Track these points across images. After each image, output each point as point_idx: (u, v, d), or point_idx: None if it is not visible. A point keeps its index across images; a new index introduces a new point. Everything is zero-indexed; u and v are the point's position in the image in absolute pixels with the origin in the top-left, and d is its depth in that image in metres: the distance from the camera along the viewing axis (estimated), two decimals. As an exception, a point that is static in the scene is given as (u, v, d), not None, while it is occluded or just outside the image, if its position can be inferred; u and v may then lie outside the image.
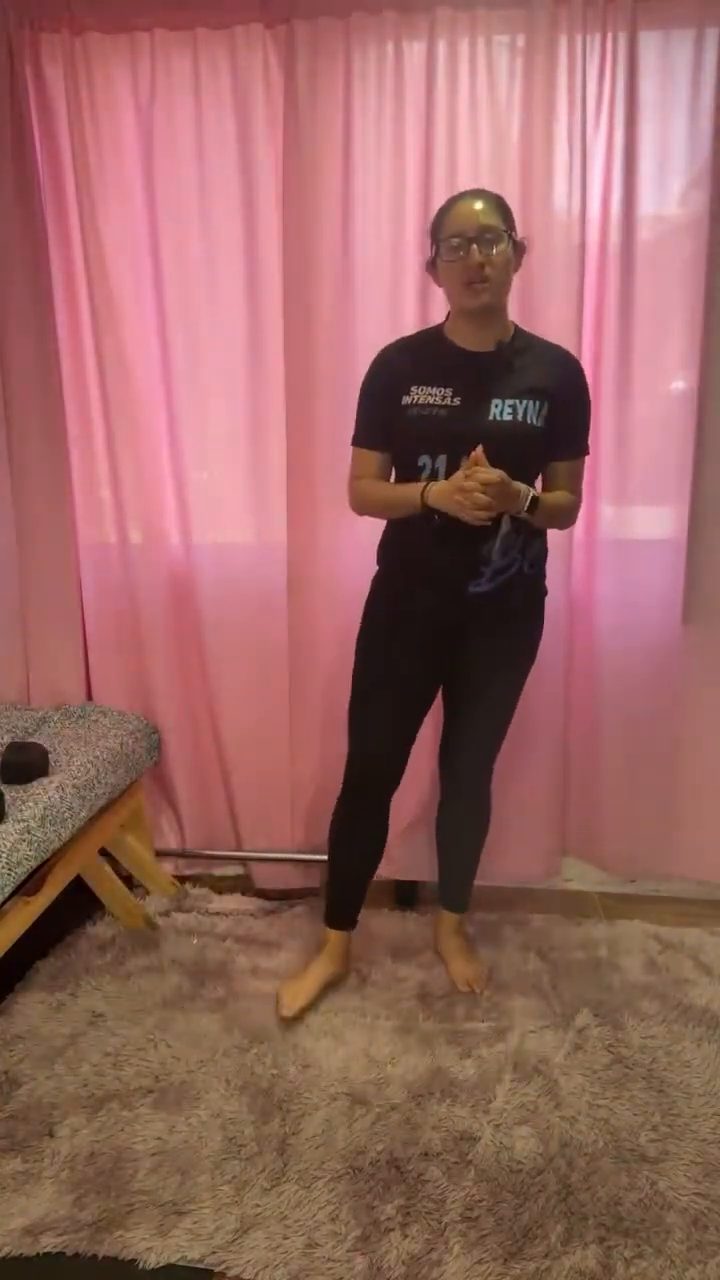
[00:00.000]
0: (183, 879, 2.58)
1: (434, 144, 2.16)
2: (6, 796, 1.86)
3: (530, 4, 2.08)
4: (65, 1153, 1.65)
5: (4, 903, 1.76)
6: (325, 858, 2.50)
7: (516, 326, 1.85)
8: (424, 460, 1.78)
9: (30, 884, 1.85)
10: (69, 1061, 1.88)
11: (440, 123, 2.15)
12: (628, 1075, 1.83)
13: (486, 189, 1.80)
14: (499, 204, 1.75)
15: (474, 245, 1.69)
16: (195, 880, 2.60)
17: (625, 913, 2.43)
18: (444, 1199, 1.56)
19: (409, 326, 2.26)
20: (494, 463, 1.66)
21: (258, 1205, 1.55)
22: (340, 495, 2.36)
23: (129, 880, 2.44)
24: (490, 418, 1.75)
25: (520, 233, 1.81)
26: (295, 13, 2.12)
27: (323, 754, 2.48)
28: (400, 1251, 1.46)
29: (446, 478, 1.75)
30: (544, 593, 1.97)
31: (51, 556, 2.46)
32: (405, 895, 2.50)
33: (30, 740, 2.17)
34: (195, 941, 2.29)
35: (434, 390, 1.76)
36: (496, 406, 1.75)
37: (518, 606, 1.91)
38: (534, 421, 1.76)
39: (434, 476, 1.77)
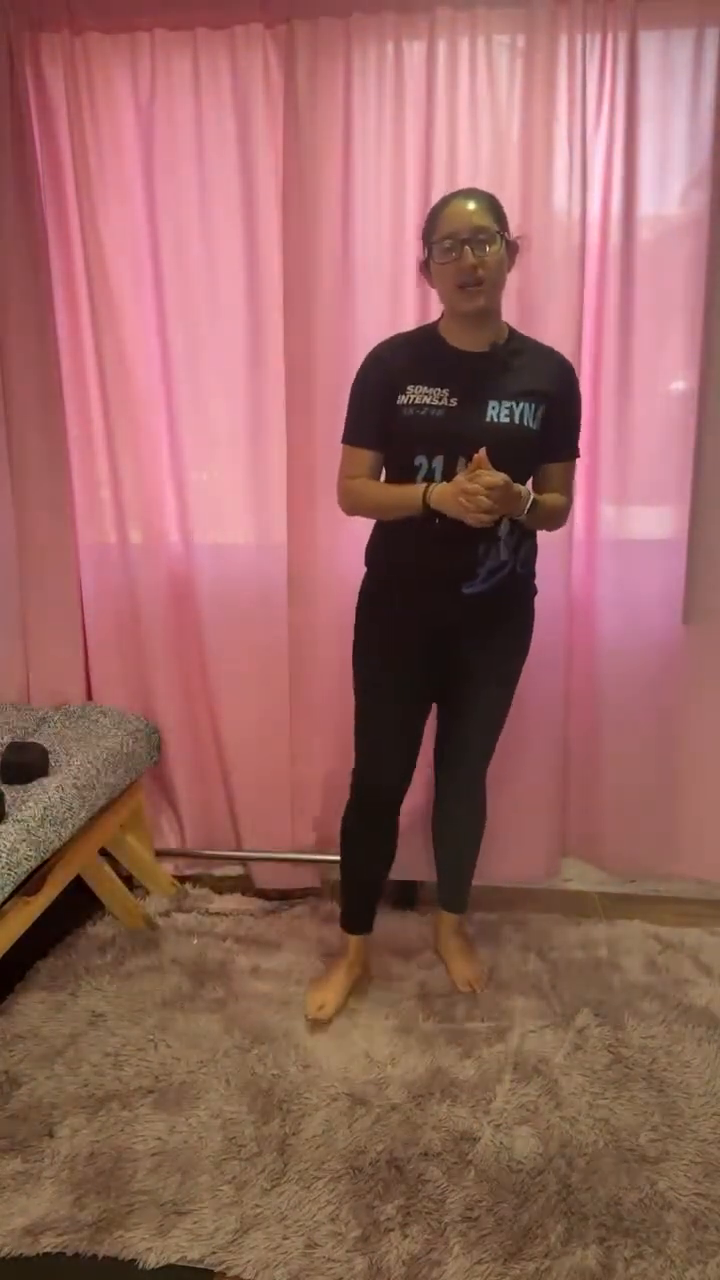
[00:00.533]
0: (183, 879, 2.58)
1: (434, 144, 2.16)
2: (6, 796, 1.86)
3: (530, 4, 2.08)
4: (65, 1153, 1.66)
5: (4, 903, 1.76)
6: (324, 858, 2.52)
7: (510, 328, 1.85)
8: (420, 460, 1.76)
9: (30, 884, 1.85)
10: (69, 1061, 1.88)
11: (440, 123, 2.15)
12: (628, 1075, 1.83)
13: (479, 189, 1.79)
14: (492, 204, 1.74)
15: (467, 247, 1.68)
16: (195, 880, 2.60)
17: (625, 913, 2.43)
18: (444, 1199, 1.56)
19: (409, 326, 2.26)
20: (492, 462, 1.66)
21: (258, 1205, 1.55)
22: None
23: (129, 880, 2.44)
24: (488, 419, 1.74)
25: (514, 232, 1.80)
26: (295, 13, 2.12)
27: (323, 754, 2.48)
28: (400, 1251, 1.46)
29: (443, 479, 1.74)
30: (534, 592, 1.96)
31: (51, 556, 2.46)
32: (405, 895, 2.50)
33: (30, 740, 2.17)
34: (195, 941, 2.29)
35: (431, 390, 1.75)
36: (493, 408, 1.74)
37: (510, 606, 1.91)
38: (530, 424, 1.76)
39: (430, 477, 1.76)
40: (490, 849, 2.48)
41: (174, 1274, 1.45)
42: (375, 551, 1.94)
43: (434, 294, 2.21)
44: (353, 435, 1.85)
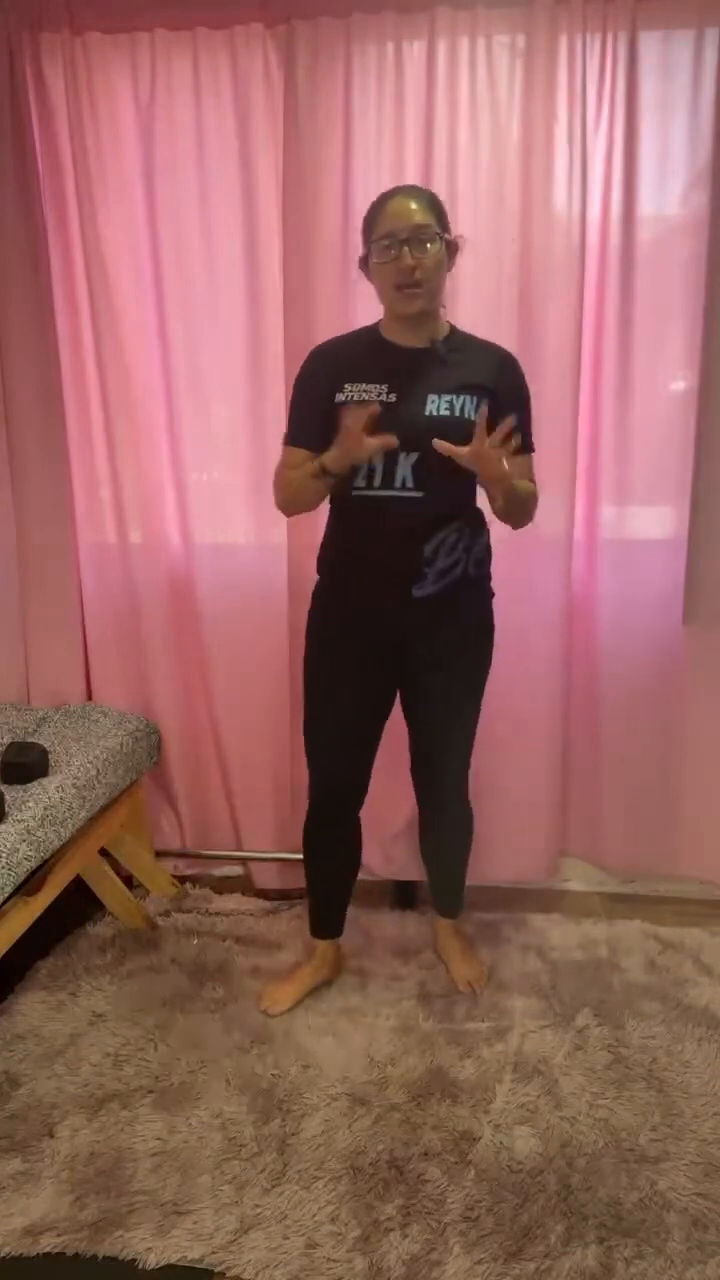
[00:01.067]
0: (183, 879, 2.58)
1: (434, 144, 2.15)
2: (7, 797, 1.86)
3: (530, 4, 2.08)
4: (65, 1153, 1.66)
5: (4, 903, 1.76)
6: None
7: (452, 325, 1.83)
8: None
9: (30, 884, 1.85)
10: (69, 1061, 1.88)
11: (440, 123, 2.15)
12: (628, 1075, 1.83)
13: (421, 186, 1.77)
14: (432, 202, 1.72)
15: (406, 247, 1.65)
16: (195, 880, 2.60)
17: (625, 913, 2.43)
18: (444, 1199, 1.56)
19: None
20: (434, 456, 1.64)
21: (258, 1205, 1.55)
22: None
23: (129, 880, 2.44)
24: (427, 413, 1.71)
25: (455, 231, 1.77)
26: (295, 13, 2.12)
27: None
28: (400, 1251, 1.46)
29: (384, 476, 1.72)
30: (490, 595, 1.93)
31: (51, 556, 2.46)
32: (405, 895, 2.49)
33: (30, 740, 2.17)
34: (195, 941, 2.29)
35: (369, 387, 1.72)
36: (433, 402, 1.71)
37: (464, 610, 1.86)
38: (472, 416, 1.70)
39: (370, 475, 1.73)
40: (490, 849, 2.48)
41: (174, 1274, 1.45)
42: (326, 553, 1.91)
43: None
44: (290, 434, 1.83)
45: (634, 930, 2.33)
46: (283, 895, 2.52)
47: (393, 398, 1.72)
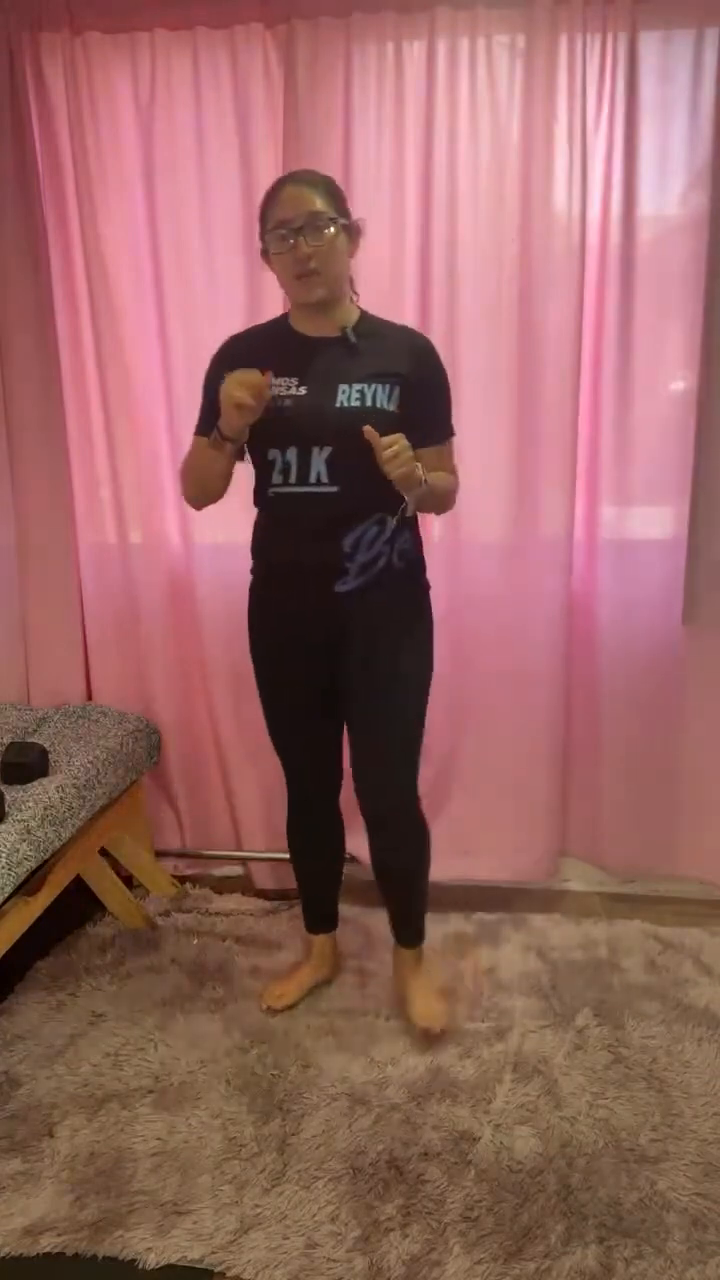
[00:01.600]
0: (183, 879, 2.58)
1: (434, 144, 2.16)
2: (7, 797, 1.86)
3: (530, 4, 2.08)
4: (65, 1153, 1.65)
5: (4, 903, 1.76)
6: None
7: (363, 311, 1.77)
8: (274, 455, 1.69)
9: (30, 884, 1.85)
10: (69, 1061, 1.87)
11: (440, 123, 2.15)
12: (628, 1075, 1.83)
13: (316, 170, 1.72)
14: (327, 186, 1.66)
15: (301, 235, 1.60)
16: (195, 880, 2.60)
17: (625, 913, 2.43)
18: (444, 1199, 1.56)
19: (409, 324, 2.26)
20: (347, 449, 1.62)
21: (258, 1205, 1.55)
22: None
23: (129, 880, 2.44)
24: (338, 404, 1.66)
25: (356, 214, 1.72)
26: (295, 13, 2.12)
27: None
28: (400, 1251, 1.46)
29: (298, 472, 1.68)
30: (425, 587, 1.86)
31: (51, 556, 2.46)
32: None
33: (30, 740, 2.17)
34: (195, 941, 2.29)
35: (279, 380, 1.67)
36: (344, 392, 1.66)
37: (392, 605, 1.78)
38: (384, 405, 1.66)
39: (286, 470, 1.69)
40: (490, 849, 2.49)
41: (174, 1274, 1.45)
42: (255, 549, 1.86)
43: (435, 292, 2.23)
44: (198, 424, 1.77)
45: (634, 930, 2.33)
46: (282, 895, 2.52)
47: (303, 390, 1.67)
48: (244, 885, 2.58)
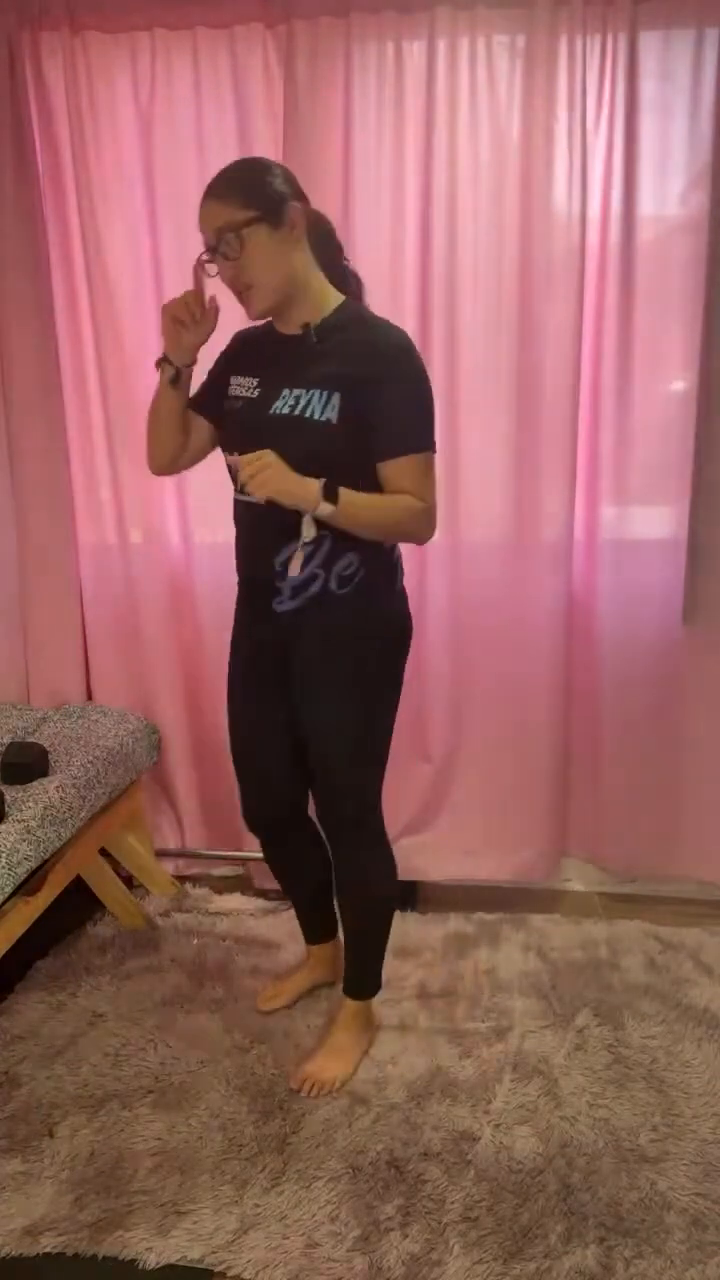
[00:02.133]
0: (183, 879, 2.58)
1: (434, 144, 2.16)
2: (7, 797, 1.86)
3: (530, 4, 2.08)
4: (65, 1153, 1.65)
5: (4, 903, 1.76)
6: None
7: (346, 302, 1.60)
8: (230, 460, 1.63)
9: (30, 884, 1.85)
10: (69, 1061, 1.87)
11: (440, 123, 2.15)
12: (628, 1075, 1.83)
13: (229, 170, 1.55)
14: (237, 183, 1.50)
15: (220, 255, 1.50)
16: (195, 880, 2.60)
17: (625, 913, 2.43)
18: (444, 1199, 1.56)
19: (409, 324, 2.26)
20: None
21: (258, 1205, 1.55)
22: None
23: (129, 880, 2.44)
24: (271, 411, 1.55)
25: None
26: (295, 13, 2.12)
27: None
28: (400, 1251, 1.46)
29: (237, 479, 1.59)
30: (377, 613, 1.67)
31: (51, 556, 2.46)
32: (405, 895, 2.49)
33: (30, 740, 2.17)
34: (195, 941, 2.29)
35: (244, 381, 1.62)
36: (283, 398, 1.55)
37: (331, 631, 1.64)
38: (317, 415, 1.51)
39: (235, 476, 1.61)
40: (491, 848, 2.49)
41: (174, 1274, 1.45)
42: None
43: (435, 292, 2.24)
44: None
45: (634, 930, 2.33)
46: (283, 895, 2.52)
47: (256, 393, 1.59)
48: (244, 885, 2.58)
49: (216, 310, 1.58)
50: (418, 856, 2.48)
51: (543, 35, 2.09)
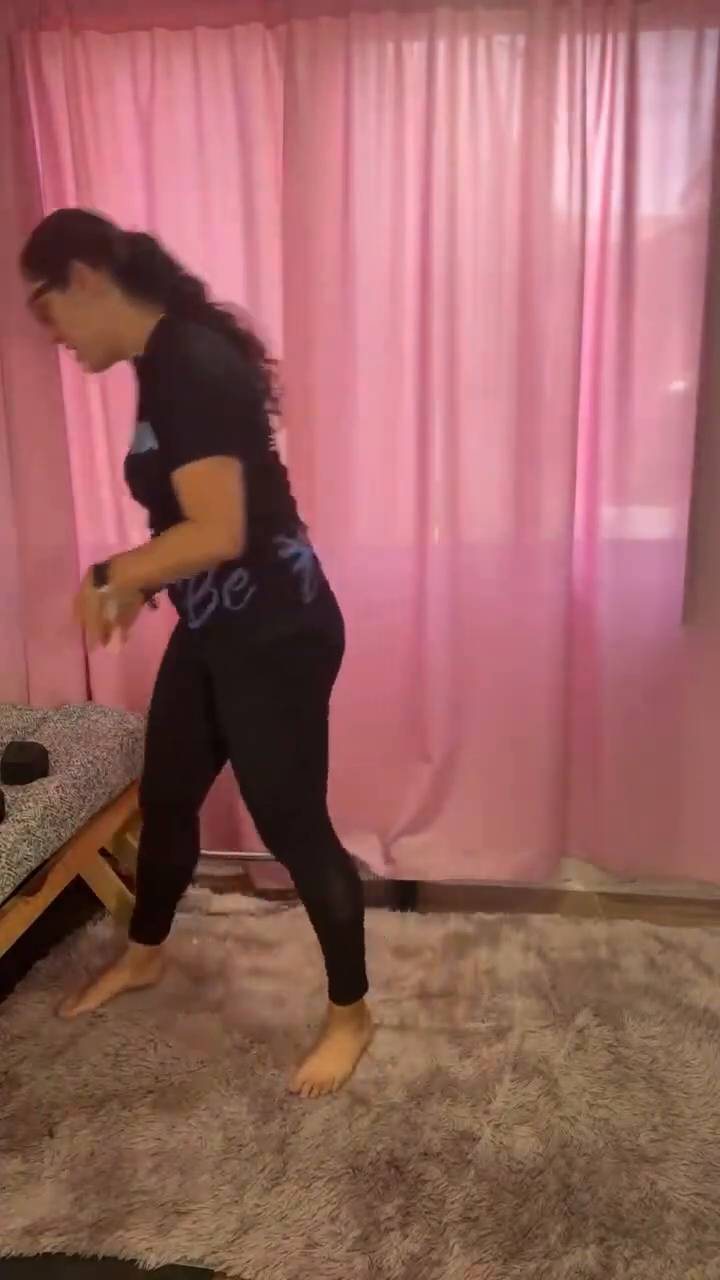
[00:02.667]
0: (182, 879, 2.57)
1: (434, 144, 2.16)
2: (7, 797, 1.86)
3: (530, 4, 2.08)
4: (65, 1153, 1.65)
5: (4, 903, 1.76)
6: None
7: (160, 323, 1.58)
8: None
9: (30, 884, 1.84)
10: (69, 1061, 1.87)
11: (440, 123, 2.15)
12: (628, 1075, 1.83)
13: (32, 234, 1.60)
14: (27, 259, 1.56)
15: (44, 322, 1.57)
16: (195, 880, 2.60)
17: (625, 913, 2.43)
18: (444, 1199, 1.56)
19: (409, 325, 2.27)
20: (137, 495, 1.63)
21: (258, 1205, 1.55)
22: (338, 495, 2.37)
23: (129, 880, 2.44)
24: (129, 450, 1.62)
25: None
26: (295, 13, 2.12)
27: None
28: (400, 1251, 1.46)
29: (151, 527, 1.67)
30: (282, 628, 1.63)
31: (51, 556, 2.45)
32: (405, 895, 2.50)
33: (30, 740, 2.17)
34: (195, 941, 2.29)
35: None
36: (131, 438, 1.62)
37: (236, 647, 1.65)
38: (144, 448, 1.55)
39: None
40: (490, 849, 2.49)
41: (174, 1274, 1.45)
42: None
43: (435, 291, 2.24)
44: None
45: (634, 930, 2.33)
46: (282, 895, 2.52)
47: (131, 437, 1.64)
48: (244, 885, 2.58)
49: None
50: (418, 856, 2.48)
51: (543, 36, 2.09)
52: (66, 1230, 1.51)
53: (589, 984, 2.11)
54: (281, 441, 2.31)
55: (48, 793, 1.91)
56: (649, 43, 2.12)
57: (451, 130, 2.15)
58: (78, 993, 2.04)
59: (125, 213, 2.27)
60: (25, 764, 1.98)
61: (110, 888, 2.32)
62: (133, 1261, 1.46)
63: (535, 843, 2.49)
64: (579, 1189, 1.57)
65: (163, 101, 2.23)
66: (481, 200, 2.19)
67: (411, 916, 2.41)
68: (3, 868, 1.71)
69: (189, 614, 1.69)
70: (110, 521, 2.46)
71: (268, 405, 1.65)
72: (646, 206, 2.19)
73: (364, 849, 2.47)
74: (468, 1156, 1.64)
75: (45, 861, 1.89)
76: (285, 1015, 2.01)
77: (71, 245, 1.54)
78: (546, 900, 2.50)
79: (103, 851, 2.30)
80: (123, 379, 2.32)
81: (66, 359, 2.36)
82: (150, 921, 2.06)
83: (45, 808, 1.87)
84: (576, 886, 2.58)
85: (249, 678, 1.67)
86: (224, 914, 2.42)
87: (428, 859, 2.49)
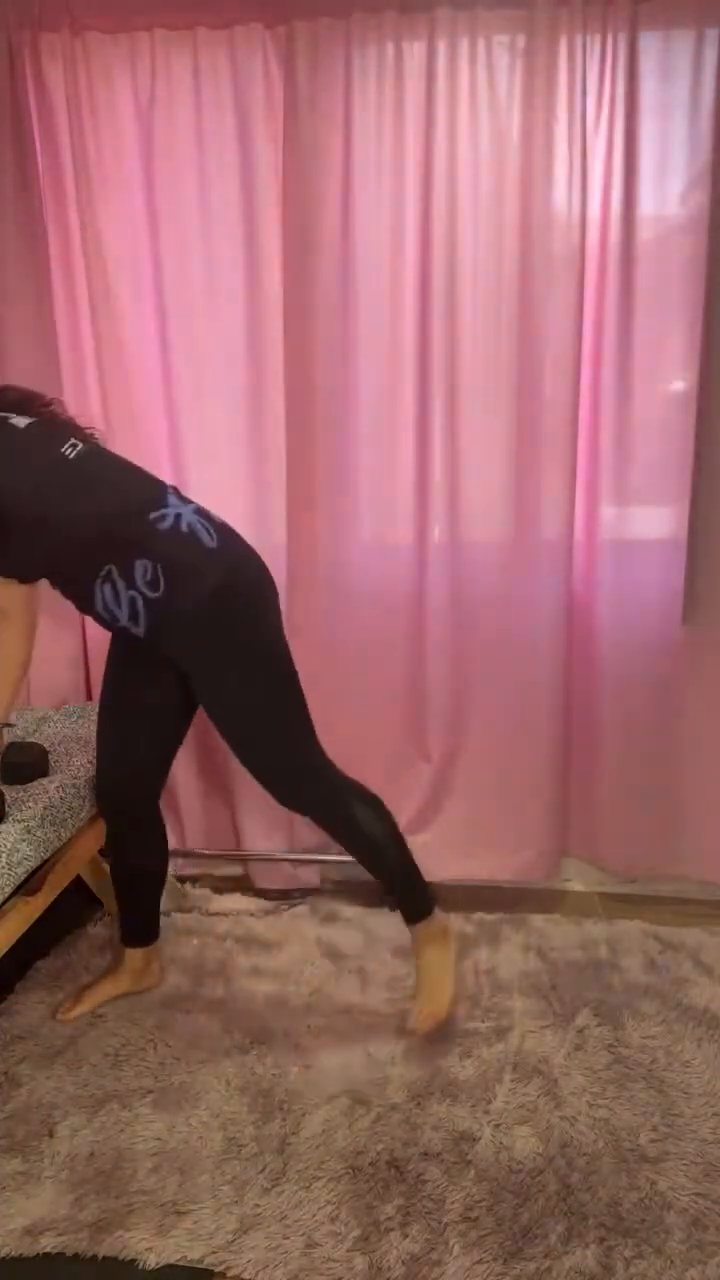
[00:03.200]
0: (183, 879, 2.58)
1: (434, 144, 2.16)
2: (7, 797, 1.86)
3: (530, 4, 2.08)
4: (65, 1153, 1.65)
5: (4, 903, 1.76)
6: (325, 858, 2.52)
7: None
8: None
9: (30, 884, 1.85)
10: (69, 1061, 1.87)
11: (440, 123, 2.15)
12: (628, 1075, 1.83)
13: None
14: None
15: None
16: (195, 880, 2.60)
17: (625, 913, 2.43)
18: (444, 1199, 1.56)
19: (409, 324, 2.28)
20: None
21: (258, 1205, 1.55)
22: (339, 494, 2.37)
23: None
24: None
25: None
26: (295, 13, 2.12)
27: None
28: (400, 1251, 1.46)
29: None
30: (207, 587, 1.70)
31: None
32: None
33: (30, 740, 2.17)
34: (195, 941, 2.29)
35: None
36: None
37: (177, 627, 1.73)
38: None
39: None
40: (490, 849, 2.48)
41: (174, 1274, 1.45)
42: None
43: (435, 291, 2.24)
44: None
45: (634, 930, 2.33)
46: (283, 895, 2.52)
47: None
48: (244, 885, 2.58)
49: None
50: (418, 856, 2.47)
51: (543, 36, 2.09)
52: (66, 1230, 1.51)
53: (589, 984, 2.11)
54: (282, 441, 2.34)
55: (48, 793, 1.91)
56: (649, 42, 2.11)
57: (451, 130, 2.15)
58: (75, 995, 2.04)
59: (125, 212, 2.28)
60: (25, 764, 1.98)
61: (110, 888, 2.31)
62: (133, 1261, 1.46)
63: (535, 843, 2.49)
64: (579, 1189, 1.57)
65: (163, 101, 2.23)
66: (481, 200, 2.19)
67: (411, 916, 2.40)
68: (3, 868, 1.71)
69: (130, 627, 1.74)
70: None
71: (45, 444, 1.72)
72: (646, 206, 2.18)
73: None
74: (468, 1156, 1.64)
75: (45, 861, 1.89)
76: (285, 1015, 2.01)
77: None
78: (546, 900, 2.50)
79: (102, 851, 2.29)
80: (121, 379, 2.34)
81: (66, 357, 2.37)
82: (137, 924, 2.06)
83: (45, 808, 1.87)
84: (576, 886, 2.58)
85: (196, 647, 1.74)
86: (224, 914, 2.42)
87: (428, 859, 2.47)
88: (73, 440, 1.73)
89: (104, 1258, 1.47)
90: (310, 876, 2.58)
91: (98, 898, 2.34)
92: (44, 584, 1.81)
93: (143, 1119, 1.73)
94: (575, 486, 2.29)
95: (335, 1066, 1.86)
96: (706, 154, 2.13)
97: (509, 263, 2.20)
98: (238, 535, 1.80)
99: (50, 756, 2.07)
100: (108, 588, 1.71)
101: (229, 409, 2.36)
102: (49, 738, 2.22)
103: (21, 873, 1.77)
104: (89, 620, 2.50)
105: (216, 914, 2.42)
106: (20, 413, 1.74)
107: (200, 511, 1.77)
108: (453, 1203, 1.55)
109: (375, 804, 1.91)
